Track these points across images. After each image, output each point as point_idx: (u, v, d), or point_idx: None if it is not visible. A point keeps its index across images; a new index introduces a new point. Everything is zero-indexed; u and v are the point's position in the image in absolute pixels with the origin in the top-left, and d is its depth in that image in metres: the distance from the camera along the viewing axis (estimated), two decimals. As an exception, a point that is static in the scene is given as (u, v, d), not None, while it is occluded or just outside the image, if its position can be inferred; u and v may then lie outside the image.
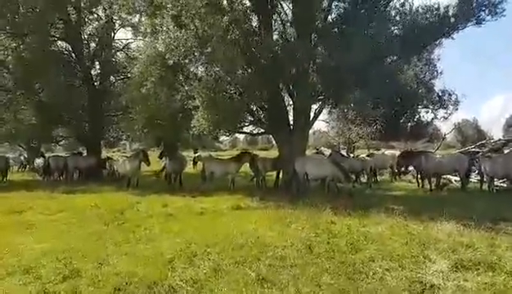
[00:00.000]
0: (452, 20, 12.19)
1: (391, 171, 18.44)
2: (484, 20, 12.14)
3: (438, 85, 34.76)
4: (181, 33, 11.49)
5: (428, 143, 33.05)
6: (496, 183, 13.63)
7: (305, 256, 6.08)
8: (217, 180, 15.63)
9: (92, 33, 22.20)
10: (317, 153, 20.16)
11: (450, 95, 29.23)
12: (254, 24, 13.75)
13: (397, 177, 18.16)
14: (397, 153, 17.52)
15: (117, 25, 22.43)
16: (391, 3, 12.92)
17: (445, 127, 54.00)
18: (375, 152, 22.20)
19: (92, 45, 22.57)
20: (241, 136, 65.67)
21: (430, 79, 29.80)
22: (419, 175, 15.33)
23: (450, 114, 29.69)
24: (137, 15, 18.77)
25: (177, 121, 15.02)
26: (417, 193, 14.03)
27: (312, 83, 13.60)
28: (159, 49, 12.52)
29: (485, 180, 13.71)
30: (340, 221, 8.35)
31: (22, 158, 30.78)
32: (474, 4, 11.98)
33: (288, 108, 15.18)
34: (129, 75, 19.11)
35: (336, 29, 12.92)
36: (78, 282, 5.18)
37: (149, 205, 11.35)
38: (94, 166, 20.32)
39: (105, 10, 21.30)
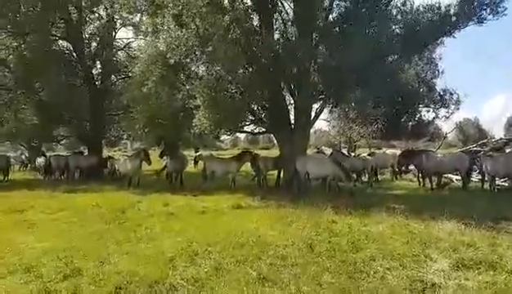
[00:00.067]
0: (454, 18, 12.15)
1: (392, 170, 18.42)
2: (486, 19, 12.09)
3: (440, 84, 34.58)
4: (182, 32, 11.49)
5: (429, 142, 33.02)
6: (497, 182, 13.60)
7: (306, 255, 6.08)
8: (218, 180, 15.64)
9: (93, 33, 22.24)
10: (318, 152, 20.16)
11: (451, 94, 29.14)
12: (255, 23, 13.74)
13: (398, 176, 18.16)
14: (398, 152, 17.51)
15: (118, 24, 22.46)
16: (392, 2, 12.92)
17: (446, 126, 54.13)
18: (376, 151, 22.20)
19: (93, 44, 22.59)
20: (242, 136, 65.75)
21: (431, 78, 29.70)
22: (420, 175, 15.33)
23: (451, 114, 29.64)
24: (138, 15, 18.78)
25: (179, 120, 15.01)
26: (418, 192, 14.02)
27: (313, 82, 13.60)
28: (160, 48, 12.54)
29: (486, 179, 13.69)
30: (341, 220, 8.35)
31: (23, 157, 30.86)
32: (476, 3, 11.94)
33: (289, 107, 15.17)
34: (130, 74, 19.11)
35: (337, 28, 12.93)
36: (79, 281, 5.18)
37: (150, 204, 11.36)
38: (95, 165, 20.35)
39: (106, 9, 21.31)
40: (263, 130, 16.46)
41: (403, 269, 5.38)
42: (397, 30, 12.87)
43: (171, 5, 11.65)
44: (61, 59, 21.04)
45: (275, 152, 21.68)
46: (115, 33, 22.82)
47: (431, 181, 14.18)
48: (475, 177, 15.18)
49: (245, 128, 15.84)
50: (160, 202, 11.46)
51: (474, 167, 14.87)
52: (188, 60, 13.05)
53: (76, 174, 20.84)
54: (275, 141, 20.68)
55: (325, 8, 13.30)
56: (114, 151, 48.48)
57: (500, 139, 19.25)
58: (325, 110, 20.59)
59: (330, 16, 13.52)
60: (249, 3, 13.14)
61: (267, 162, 15.70)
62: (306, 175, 13.24)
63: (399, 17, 12.87)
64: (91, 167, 20.25)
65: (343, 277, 5.16)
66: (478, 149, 17.75)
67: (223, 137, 30.33)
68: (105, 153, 28.26)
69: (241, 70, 13.15)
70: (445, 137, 28.65)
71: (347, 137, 28.45)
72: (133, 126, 18.03)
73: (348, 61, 11.58)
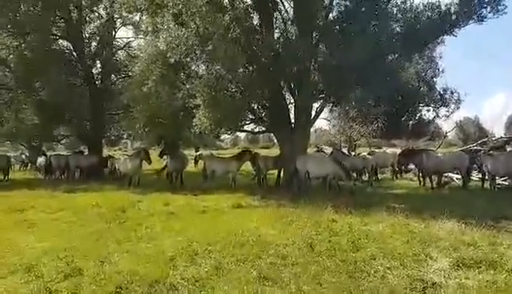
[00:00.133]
0: (454, 17, 12.14)
1: (392, 169, 18.41)
2: (486, 18, 12.07)
3: (440, 83, 34.62)
4: (182, 31, 11.49)
5: (429, 141, 33.02)
6: (497, 181, 13.60)
7: (306, 254, 6.08)
8: (218, 179, 15.64)
9: (93, 32, 22.26)
10: (318, 151, 20.16)
11: (452, 93, 29.10)
12: (255, 22, 13.74)
13: (398, 175, 18.14)
14: (399, 151, 17.48)
15: (118, 24, 22.50)
16: (392, 1, 12.89)
17: (446, 125, 54.11)
18: (377, 150, 22.15)
19: (93, 43, 22.63)
20: (242, 135, 65.87)
21: (432, 77, 29.65)
22: (420, 174, 15.31)
23: (451, 112, 29.60)
24: (138, 14, 18.82)
25: (179, 119, 15.02)
26: (418, 191, 14.01)
27: (313, 81, 13.59)
28: (160, 47, 12.53)
29: (486, 178, 13.69)
30: (341, 220, 8.35)
31: (23, 156, 30.87)
32: (476, 1, 11.91)
33: (289, 106, 15.17)
34: (130, 74, 19.10)
35: (337, 27, 12.90)
36: (79, 281, 5.18)
37: (150, 203, 11.37)
38: (95, 164, 20.36)
39: (106, 8, 21.34)
40: (263, 129, 16.47)
41: (404, 269, 5.38)
42: (398, 29, 12.85)
43: (171, 4, 11.64)
44: (61, 58, 21.05)
45: (275, 151, 21.69)
46: (115, 32, 22.89)
47: (431, 180, 14.17)
48: (475, 176, 15.17)
49: (245, 127, 15.85)
50: (161, 202, 11.46)
51: (474, 165, 14.87)
52: (188, 59, 13.05)
53: (76, 173, 20.84)
54: (275, 140, 20.69)
55: (325, 7, 13.28)
56: (115, 150, 48.51)
57: (501, 137, 19.25)
58: (326, 109, 20.63)
59: (330, 15, 13.51)
60: (249, 2, 13.14)
61: (267, 161, 15.70)
62: (306, 175, 13.24)
63: (399, 16, 12.84)
64: (91, 167, 20.24)
65: (344, 276, 5.16)
66: (479, 147, 17.74)
67: (223, 136, 30.34)
68: (106, 152, 28.27)
69: (241, 69, 13.15)
70: (445, 136, 28.66)
71: (347, 136, 28.42)
72: (133, 126, 18.04)
73: (349, 60, 11.55)
